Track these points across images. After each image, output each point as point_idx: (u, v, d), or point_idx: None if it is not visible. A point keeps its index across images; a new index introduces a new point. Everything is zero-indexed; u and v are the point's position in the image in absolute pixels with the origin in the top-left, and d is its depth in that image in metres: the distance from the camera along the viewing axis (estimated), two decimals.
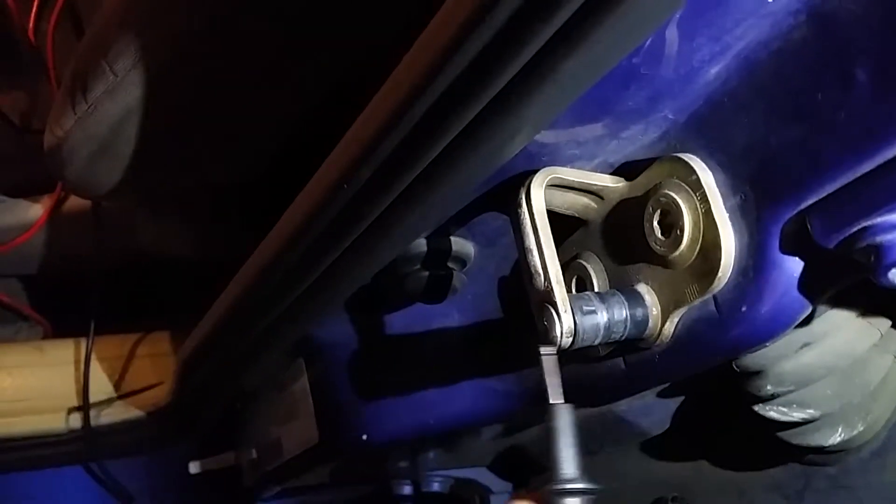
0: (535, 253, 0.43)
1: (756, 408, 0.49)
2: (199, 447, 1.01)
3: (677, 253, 0.41)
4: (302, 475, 0.79)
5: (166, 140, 0.70)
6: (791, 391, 0.48)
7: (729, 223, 0.39)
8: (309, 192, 0.52)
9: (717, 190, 0.39)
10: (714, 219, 0.39)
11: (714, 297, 0.40)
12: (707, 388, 0.56)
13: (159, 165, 0.73)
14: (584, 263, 0.48)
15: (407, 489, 0.96)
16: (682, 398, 0.59)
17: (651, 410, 0.60)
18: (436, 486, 0.96)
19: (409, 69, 0.39)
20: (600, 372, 0.48)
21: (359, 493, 1.02)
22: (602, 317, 0.42)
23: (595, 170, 0.46)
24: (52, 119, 0.74)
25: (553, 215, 0.44)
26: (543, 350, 0.42)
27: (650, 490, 0.68)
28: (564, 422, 0.41)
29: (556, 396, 0.42)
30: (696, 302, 0.41)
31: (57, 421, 1.04)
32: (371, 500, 1.00)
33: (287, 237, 0.55)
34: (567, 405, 0.42)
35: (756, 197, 0.38)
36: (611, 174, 0.45)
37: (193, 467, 0.98)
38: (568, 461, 0.41)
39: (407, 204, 0.44)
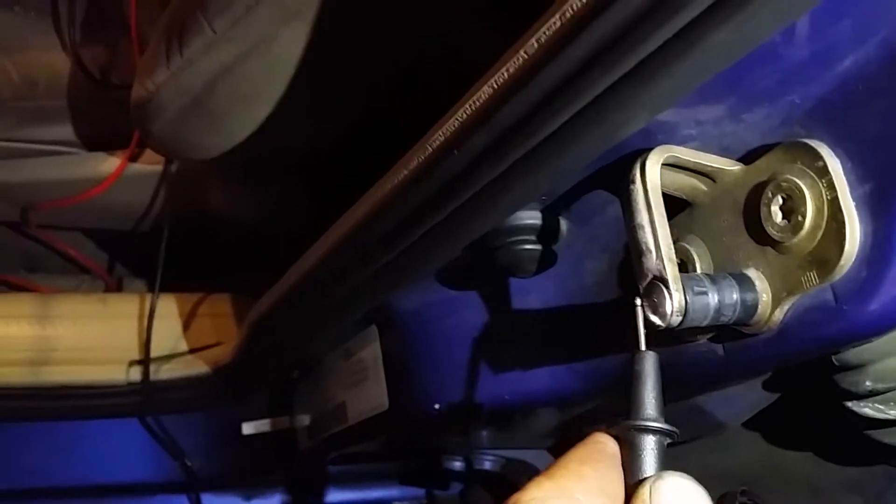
0: (648, 230, 0.43)
1: (850, 403, 0.49)
2: (254, 409, 1.02)
3: (796, 240, 0.40)
4: (364, 442, 0.80)
5: (258, 100, 0.71)
6: (891, 388, 0.47)
7: (855, 212, 0.39)
8: (412, 155, 0.52)
9: (844, 178, 0.39)
10: (840, 207, 0.39)
11: (832, 286, 0.40)
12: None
13: (247, 126, 0.74)
14: (688, 247, 0.47)
15: (458, 465, 0.96)
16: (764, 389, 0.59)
17: (732, 401, 0.60)
18: (487, 465, 0.96)
19: (540, 34, 0.39)
20: (695, 357, 0.48)
21: (409, 465, 1.03)
22: (713, 298, 0.42)
23: (710, 152, 0.45)
24: (143, 72, 0.75)
25: None
26: (638, 301, 0.42)
27: (715, 483, 0.67)
28: (650, 367, 0.41)
29: (644, 344, 0.42)
30: (812, 290, 0.40)
31: (117, 372, 1.06)
32: (421, 472, 1.01)
33: (382, 202, 0.55)
34: (653, 353, 0.42)
35: (886, 188, 0.38)
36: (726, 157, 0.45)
37: (247, 428, 0.99)
38: (649, 404, 0.41)
39: (518, 175, 0.44)
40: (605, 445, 0.41)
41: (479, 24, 0.73)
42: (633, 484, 0.39)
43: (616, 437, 0.41)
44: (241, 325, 1.01)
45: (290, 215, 1.07)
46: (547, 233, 0.56)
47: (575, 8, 0.36)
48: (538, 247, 0.55)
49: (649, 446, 0.41)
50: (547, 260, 0.56)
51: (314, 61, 0.68)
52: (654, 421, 0.40)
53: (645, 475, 0.39)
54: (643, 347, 0.42)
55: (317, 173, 0.97)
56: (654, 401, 0.41)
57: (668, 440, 0.40)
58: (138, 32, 0.99)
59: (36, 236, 1.21)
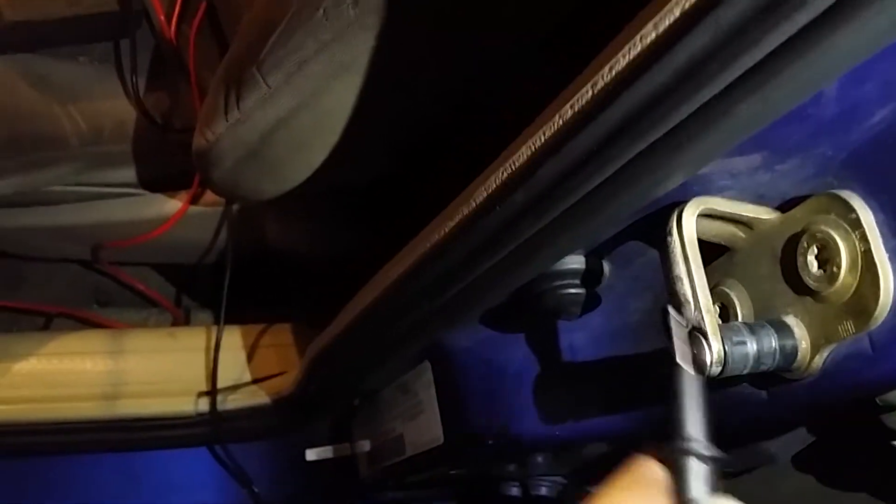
0: (686, 281, 0.44)
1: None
2: (316, 436, 1.05)
3: (832, 289, 0.41)
4: (422, 472, 0.82)
5: (312, 147, 0.74)
6: None
7: (889, 264, 0.39)
8: (456, 208, 0.54)
9: (877, 230, 0.40)
10: (874, 259, 0.39)
11: (868, 334, 0.41)
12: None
13: (302, 172, 0.77)
14: (728, 291, 0.48)
15: (515, 490, 0.98)
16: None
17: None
18: (544, 490, 0.97)
19: (574, 101, 0.41)
20: (740, 401, 0.49)
21: (467, 491, 1.05)
22: (752, 347, 0.43)
23: (745, 200, 0.46)
24: (203, 122, 0.79)
25: (698, 241, 0.45)
26: (672, 313, 0.42)
27: None
28: (689, 383, 0.40)
29: (682, 359, 0.41)
30: (850, 339, 0.41)
31: (186, 404, 1.10)
32: (479, 498, 1.03)
33: (430, 252, 0.57)
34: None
35: None
36: (761, 205, 0.46)
37: (310, 454, 1.02)
38: (691, 423, 0.39)
39: (557, 230, 0.46)
40: (648, 470, 0.40)
41: (526, 63, 0.75)
42: None
43: (663, 461, 0.40)
44: (301, 353, 1.04)
45: (345, 246, 1.10)
46: (590, 276, 0.57)
47: (605, 79, 0.38)
48: (582, 290, 0.56)
49: (694, 469, 0.40)
50: (591, 302, 0.57)
51: (365, 108, 0.71)
52: (695, 442, 0.40)
53: (689, 499, 0.38)
54: (678, 360, 0.42)
55: (369, 206, 1.00)
56: (696, 420, 0.41)
57: (714, 464, 0.40)
58: (197, 78, 1.03)
59: (106, 272, 1.27)
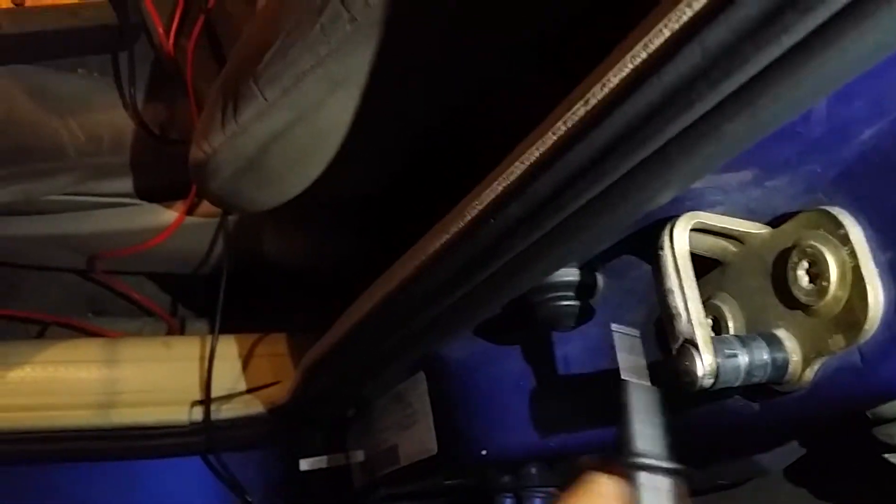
0: (678, 294, 0.45)
1: (888, 456, 0.50)
2: (310, 445, 1.05)
3: (822, 304, 0.42)
4: (416, 482, 0.83)
5: (309, 160, 0.74)
6: None
7: (878, 279, 0.40)
8: (451, 220, 0.54)
9: (866, 246, 0.40)
10: (862, 274, 0.40)
11: (858, 348, 0.41)
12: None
13: (298, 184, 0.78)
14: (720, 304, 0.49)
15: (508, 501, 0.98)
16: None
17: None
18: (538, 502, 0.97)
19: (567, 117, 0.41)
20: (732, 413, 0.49)
21: (461, 501, 1.05)
22: (743, 359, 0.43)
23: (736, 215, 0.47)
24: (200, 134, 0.80)
25: (690, 255, 0.46)
26: (615, 328, 0.42)
27: None
28: (636, 397, 0.39)
29: (627, 373, 0.41)
30: (840, 352, 0.42)
31: (180, 413, 1.10)
32: None
33: (424, 263, 0.58)
34: (641, 384, 0.40)
35: None
36: (752, 220, 0.47)
37: (304, 464, 1.02)
38: (640, 437, 0.39)
39: (551, 244, 0.47)
40: (599, 486, 0.40)
41: (520, 78, 0.76)
42: None
43: (620, 475, 0.40)
44: (296, 363, 1.05)
45: (341, 256, 1.11)
46: (585, 288, 0.58)
47: (597, 97, 0.39)
48: (576, 302, 0.57)
49: (645, 483, 0.40)
50: (585, 314, 0.58)
51: (361, 123, 0.72)
52: (645, 456, 0.39)
53: None
54: (624, 376, 0.42)
55: (365, 217, 1.01)
56: (647, 434, 0.40)
57: (668, 476, 0.39)
58: (195, 90, 1.04)
59: (101, 281, 1.27)
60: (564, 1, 0.66)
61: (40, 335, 1.35)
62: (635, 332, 0.44)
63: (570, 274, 0.57)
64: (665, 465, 0.39)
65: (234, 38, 0.91)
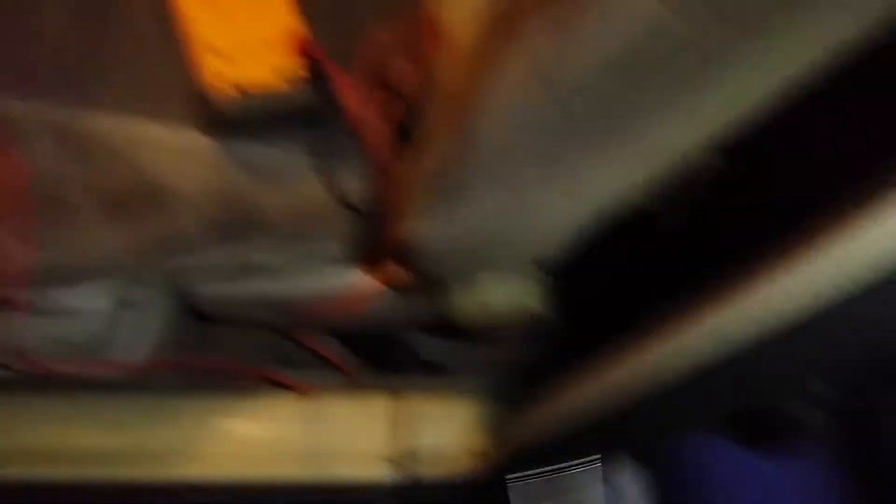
0: None
1: None
2: None
3: None
4: None
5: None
6: None
7: None
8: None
9: None
10: None
11: None
12: None
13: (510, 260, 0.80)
14: None
15: None
16: None
17: None
18: None
19: None
20: None
21: None
22: None
23: None
24: (408, 213, 0.83)
25: None
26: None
27: None
28: None
29: None
30: None
31: (368, 471, 1.14)
32: None
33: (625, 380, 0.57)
34: None
35: None
36: None
37: None
38: None
39: None
40: None
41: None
42: None
43: None
44: (484, 427, 1.06)
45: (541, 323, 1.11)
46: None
47: None
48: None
49: None
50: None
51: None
52: None
53: None
54: None
55: (576, 286, 1.01)
56: None
57: None
58: (389, 163, 1.07)
59: (293, 337, 1.33)
60: None
61: (230, 386, 1.42)
62: None
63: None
64: None
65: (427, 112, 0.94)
